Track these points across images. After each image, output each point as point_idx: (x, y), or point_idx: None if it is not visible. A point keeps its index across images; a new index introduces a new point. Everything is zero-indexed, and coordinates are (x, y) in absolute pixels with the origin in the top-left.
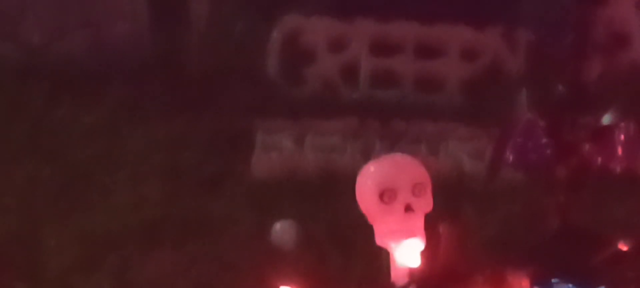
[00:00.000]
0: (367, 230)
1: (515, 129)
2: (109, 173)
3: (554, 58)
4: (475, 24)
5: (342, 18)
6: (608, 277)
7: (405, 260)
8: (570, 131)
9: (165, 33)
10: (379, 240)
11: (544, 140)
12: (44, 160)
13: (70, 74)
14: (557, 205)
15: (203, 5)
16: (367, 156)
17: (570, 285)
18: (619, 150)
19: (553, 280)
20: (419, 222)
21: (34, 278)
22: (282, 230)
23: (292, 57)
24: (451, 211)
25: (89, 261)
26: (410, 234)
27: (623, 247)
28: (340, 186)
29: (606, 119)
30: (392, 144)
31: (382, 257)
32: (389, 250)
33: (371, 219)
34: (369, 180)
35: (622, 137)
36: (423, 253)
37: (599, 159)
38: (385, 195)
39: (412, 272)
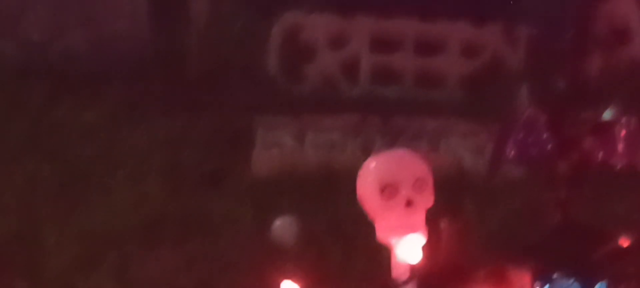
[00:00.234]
0: (368, 227)
1: (516, 124)
2: (109, 172)
3: (555, 53)
4: (476, 20)
5: (342, 15)
6: (609, 272)
7: (407, 255)
8: (571, 126)
9: (165, 31)
10: (380, 236)
11: (545, 135)
12: (44, 159)
13: (70, 72)
14: (558, 200)
15: (203, 3)
16: (367, 153)
17: (572, 280)
18: (620, 146)
19: (554, 275)
20: (420, 217)
21: (34, 277)
22: (283, 227)
23: (293, 54)
24: (452, 207)
25: (89, 260)
26: (411, 230)
27: (624, 243)
28: (341, 183)
29: (607, 114)
30: (393, 141)
31: (383, 253)
32: (390, 245)
33: (372, 215)
34: (370, 176)
35: (624, 132)
36: (424, 248)
37: (600, 154)
38: (387, 190)
39: (413, 268)
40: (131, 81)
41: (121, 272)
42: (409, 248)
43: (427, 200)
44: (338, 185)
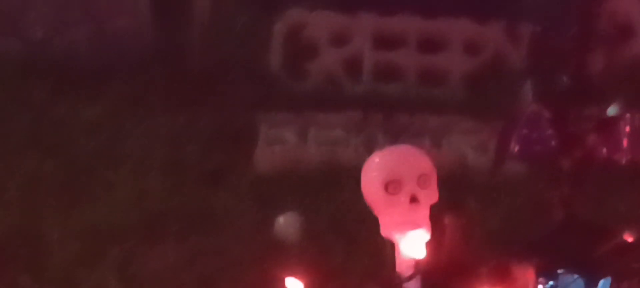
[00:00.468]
0: (371, 223)
1: (520, 120)
2: (111, 168)
3: (558, 50)
4: (478, 17)
5: (345, 12)
6: (613, 268)
7: (411, 251)
8: (575, 123)
9: (167, 27)
10: (384, 232)
11: (549, 132)
12: (46, 155)
13: (72, 68)
14: (561, 196)
15: (205, 0)
16: (370, 149)
17: (576, 276)
18: (624, 142)
19: (558, 272)
20: (424, 213)
21: (37, 272)
22: (286, 224)
23: (295, 51)
24: (455, 204)
25: (92, 255)
26: (415, 225)
27: (628, 238)
28: (343, 179)
29: (611, 111)
30: (395, 138)
31: (386, 249)
32: (394, 241)
33: (376, 211)
34: (374, 172)
35: (627, 128)
36: (428, 245)
37: (604, 151)
38: (391, 186)
39: (417, 263)
40: (134, 77)
41: (123, 268)
42: (413, 244)
43: (431, 196)
44: (341, 182)
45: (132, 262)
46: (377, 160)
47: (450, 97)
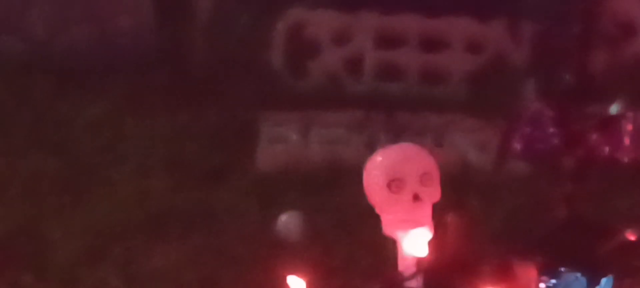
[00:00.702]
0: (373, 221)
1: (522, 118)
2: (113, 166)
3: (560, 48)
4: (480, 15)
5: (347, 10)
6: (615, 266)
7: (413, 249)
8: (577, 121)
9: (169, 26)
10: (387, 230)
11: (551, 130)
12: (48, 154)
13: (74, 67)
14: (564, 195)
15: None
16: (372, 148)
17: (578, 275)
18: (627, 140)
19: (560, 270)
20: (426, 211)
21: (40, 270)
22: (288, 222)
23: (297, 50)
24: (458, 202)
25: (94, 253)
26: (418, 224)
27: (630, 237)
28: (345, 178)
29: (613, 109)
30: (397, 136)
31: (388, 248)
32: (396, 240)
33: (378, 209)
34: (376, 170)
35: (630, 127)
36: (431, 243)
37: (606, 149)
38: (393, 184)
39: (419, 262)
40: (135, 76)
41: (126, 266)
42: (415, 243)
43: (433, 194)
44: (342, 180)
45: (134, 261)
46: (379, 158)
47: (452, 96)
